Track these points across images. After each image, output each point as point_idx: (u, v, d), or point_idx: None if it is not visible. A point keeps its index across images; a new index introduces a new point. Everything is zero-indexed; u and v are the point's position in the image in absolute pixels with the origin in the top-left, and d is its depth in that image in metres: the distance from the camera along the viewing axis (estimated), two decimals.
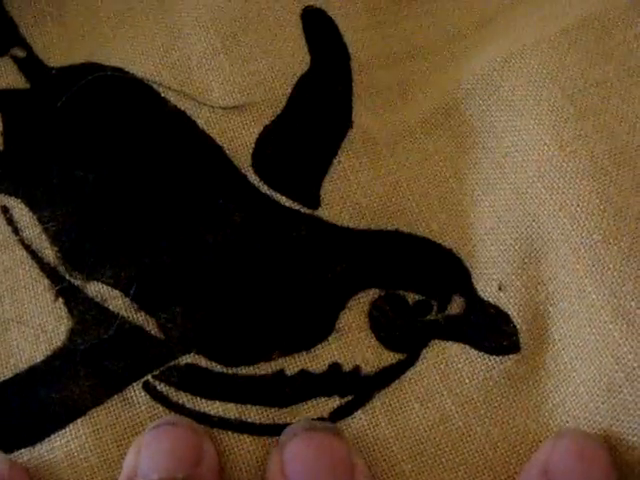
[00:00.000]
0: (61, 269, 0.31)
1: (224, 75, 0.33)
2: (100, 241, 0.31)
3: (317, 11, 0.34)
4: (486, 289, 0.31)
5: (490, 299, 0.30)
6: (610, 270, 0.29)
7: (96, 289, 0.30)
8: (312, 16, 0.34)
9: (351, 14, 0.34)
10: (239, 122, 0.32)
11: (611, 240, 0.29)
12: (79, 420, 0.29)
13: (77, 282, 0.30)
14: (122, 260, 0.30)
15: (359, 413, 0.29)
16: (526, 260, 0.30)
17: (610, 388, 0.28)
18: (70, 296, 0.30)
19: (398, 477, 0.28)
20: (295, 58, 0.33)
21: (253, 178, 0.32)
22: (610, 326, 0.28)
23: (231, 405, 0.29)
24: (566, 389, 0.29)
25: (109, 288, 0.30)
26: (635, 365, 0.28)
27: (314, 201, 0.32)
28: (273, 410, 0.29)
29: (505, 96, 0.32)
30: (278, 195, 0.32)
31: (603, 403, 0.28)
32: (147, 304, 0.30)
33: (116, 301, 0.30)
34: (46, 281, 0.31)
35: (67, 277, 0.30)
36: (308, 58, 0.33)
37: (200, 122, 0.32)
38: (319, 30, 0.34)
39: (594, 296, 0.29)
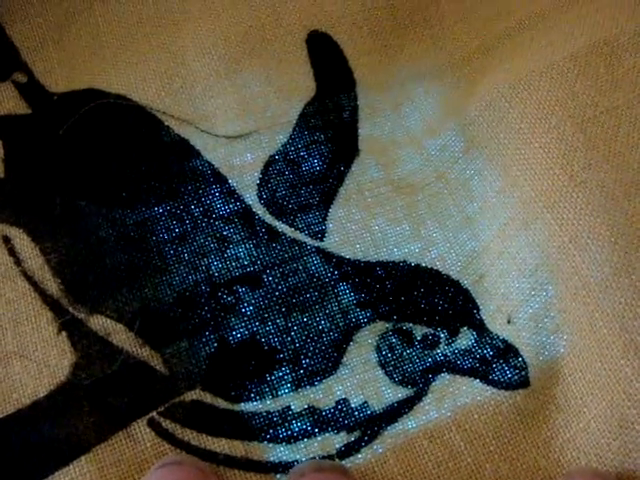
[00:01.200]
0: (64, 301, 0.30)
1: (228, 102, 0.32)
2: (102, 273, 0.30)
3: (322, 35, 0.34)
4: (495, 322, 0.30)
5: (499, 332, 0.30)
6: (621, 304, 0.28)
7: (100, 323, 0.30)
8: (317, 41, 0.34)
9: (356, 38, 0.34)
10: (243, 151, 0.32)
11: (622, 273, 0.28)
12: (83, 457, 0.28)
13: (80, 315, 0.30)
14: (125, 293, 0.30)
15: (367, 450, 0.29)
16: (534, 292, 0.30)
17: (622, 425, 0.28)
18: (73, 329, 0.30)
19: None
20: (300, 84, 0.33)
21: (258, 208, 0.31)
22: (621, 362, 0.28)
23: (237, 442, 0.29)
24: (577, 425, 0.29)
25: (113, 322, 0.30)
26: None
27: (320, 232, 0.31)
28: (280, 447, 0.29)
29: (513, 123, 0.32)
30: (284, 226, 0.31)
31: (615, 440, 0.28)
32: (151, 339, 0.29)
33: (120, 335, 0.30)
34: (49, 314, 0.30)
35: (70, 310, 0.30)
36: (313, 84, 0.33)
37: (203, 151, 0.32)
38: (324, 55, 0.33)
39: (605, 330, 0.28)
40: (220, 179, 0.31)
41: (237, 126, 0.32)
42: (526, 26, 0.35)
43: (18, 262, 0.31)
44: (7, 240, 0.31)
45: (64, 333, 0.30)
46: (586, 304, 0.29)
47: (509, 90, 0.32)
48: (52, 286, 0.30)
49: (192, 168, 0.32)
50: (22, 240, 0.31)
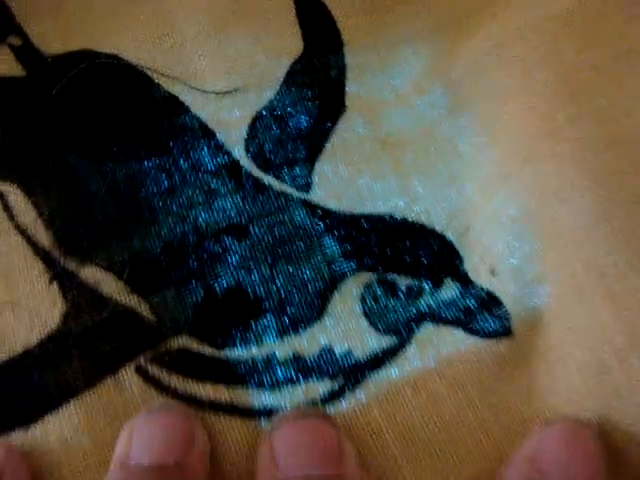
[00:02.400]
0: (55, 253, 0.31)
1: (216, 60, 0.33)
2: (93, 225, 0.31)
3: None
4: (478, 272, 0.31)
5: (482, 283, 0.30)
6: (600, 252, 0.29)
7: (90, 273, 0.30)
8: (306, 2, 0.34)
9: (345, 0, 0.34)
10: (231, 107, 0.32)
11: (601, 222, 0.29)
12: (72, 402, 0.29)
13: (71, 266, 0.31)
14: (114, 244, 0.31)
15: (350, 397, 0.29)
16: (516, 243, 0.30)
17: (601, 371, 0.28)
18: (64, 280, 0.30)
19: (389, 462, 0.28)
20: (288, 43, 0.33)
21: (245, 162, 0.32)
22: (600, 309, 0.28)
23: (222, 388, 0.29)
24: (557, 372, 0.29)
25: (102, 272, 0.30)
26: (625, 347, 0.28)
27: (306, 185, 0.32)
28: (265, 393, 0.29)
29: (497, 81, 0.32)
30: (270, 178, 0.32)
31: (594, 385, 0.28)
32: (139, 287, 0.30)
33: (109, 285, 0.30)
34: (41, 265, 0.31)
35: (61, 261, 0.31)
36: (301, 44, 0.34)
37: (193, 107, 0.32)
38: (312, 16, 0.34)
39: (584, 278, 0.29)
40: (208, 134, 0.32)
41: (225, 83, 0.33)
42: None
43: (11, 216, 0.32)
44: (1, 196, 0.32)
45: (55, 284, 0.30)
46: (566, 253, 0.29)
47: (493, 49, 0.33)
48: (44, 239, 0.31)
49: (181, 123, 0.32)
50: (16, 195, 0.32)
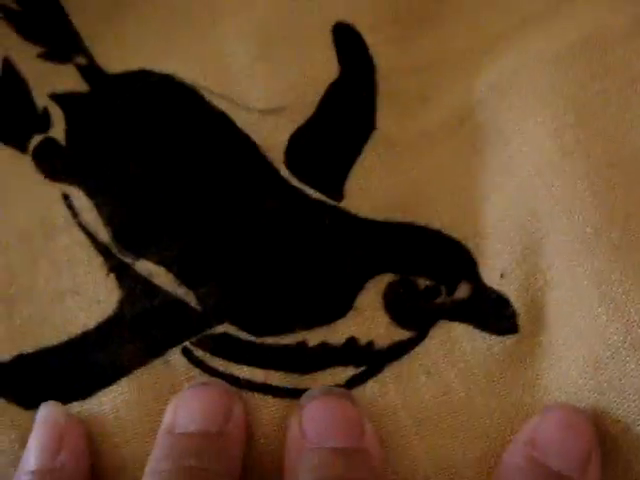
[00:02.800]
0: (113, 249, 0.35)
1: (260, 81, 0.37)
2: (147, 224, 0.35)
3: (347, 26, 0.38)
4: (490, 277, 0.34)
5: (493, 286, 0.34)
6: (600, 260, 0.32)
7: (144, 266, 0.34)
8: (342, 30, 0.38)
9: (377, 29, 0.38)
10: (273, 123, 0.36)
11: (602, 233, 0.32)
12: (124, 379, 0.33)
13: (127, 260, 0.34)
14: (166, 241, 0.35)
15: (371, 382, 0.33)
16: (526, 251, 0.33)
17: (597, 366, 0.31)
18: (121, 272, 0.34)
19: (403, 439, 0.32)
20: (325, 67, 0.37)
21: (285, 172, 0.36)
22: (598, 310, 0.31)
23: (258, 370, 0.33)
24: (559, 368, 0.32)
25: (155, 265, 0.34)
26: (619, 345, 0.31)
27: (339, 194, 0.35)
28: (295, 376, 0.33)
29: (514, 103, 0.36)
30: (307, 188, 0.35)
31: (591, 379, 0.31)
32: (188, 280, 0.34)
33: (161, 277, 0.34)
34: (100, 259, 0.35)
35: (118, 255, 0.35)
36: (337, 68, 0.37)
37: (239, 122, 0.36)
38: (348, 43, 0.38)
39: (585, 283, 0.32)
40: (253, 146, 0.36)
41: (268, 102, 0.36)
42: (528, 22, 0.38)
43: (75, 214, 0.36)
44: (66, 197, 0.36)
45: (112, 275, 0.34)
46: (570, 261, 0.32)
47: (511, 74, 0.36)
48: (103, 235, 0.35)
49: (229, 137, 0.36)
50: (79, 196, 0.36)
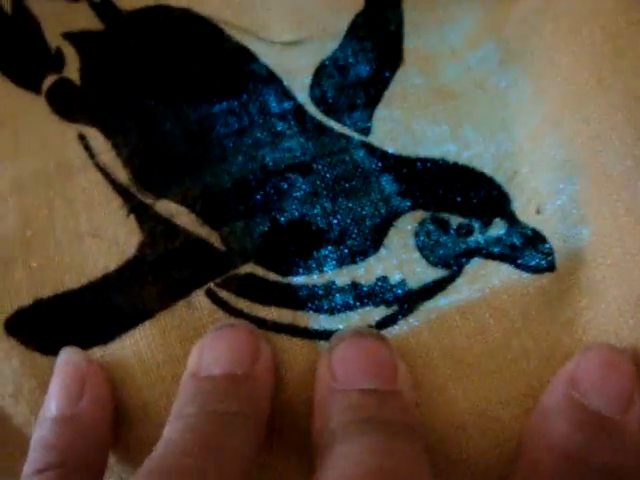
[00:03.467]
0: (133, 189, 0.33)
1: (283, 13, 0.35)
2: (168, 163, 0.34)
3: None
4: (525, 212, 0.33)
5: (529, 222, 0.32)
6: None
7: (164, 207, 0.33)
8: None
9: None
10: (297, 56, 0.35)
11: None
12: (147, 322, 0.32)
13: (147, 200, 0.33)
14: (187, 180, 0.33)
15: (403, 322, 0.31)
16: (561, 185, 0.32)
17: (638, 303, 0.30)
18: (141, 213, 0.33)
19: (437, 380, 0.31)
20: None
21: (309, 106, 0.34)
22: (639, 248, 0.30)
23: (285, 311, 0.32)
24: (598, 306, 0.31)
25: (176, 205, 0.33)
26: None
27: (365, 129, 0.34)
28: (324, 317, 0.31)
29: (546, 36, 0.34)
30: (333, 122, 0.34)
31: (631, 318, 0.30)
32: (211, 219, 0.33)
33: (183, 217, 0.33)
34: (119, 200, 0.33)
35: (138, 196, 0.33)
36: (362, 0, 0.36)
37: (261, 56, 0.35)
38: None
39: (625, 219, 0.30)
40: (275, 80, 0.35)
41: (291, 35, 0.35)
42: None
43: (92, 155, 0.34)
44: (82, 137, 0.35)
45: (132, 216, 0.33)
46: (609, 194, 0.31)
47: (543, 5, 0.35)
48: (122, 176, 0.34)
49: (250, 71, 0.35)
50: (96, 137, 0.35)
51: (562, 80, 0.33)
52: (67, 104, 0.35)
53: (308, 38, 0.35)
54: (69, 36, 0.36)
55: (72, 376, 0.31)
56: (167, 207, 0.33)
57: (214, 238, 0.32)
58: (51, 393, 0.31)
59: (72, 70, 0.36)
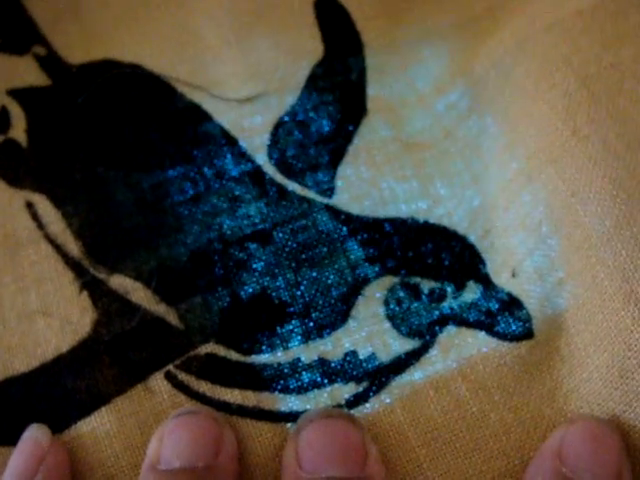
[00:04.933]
0: (85, 263, 0.32)
1: (238, 67, 0.34)
2: (121, 235, 0.32)
3: (329, 0, 0.34)
4: (500, 275, 0.31)
5: (504, 285, 0.31)
6: (622, 256, 0.29)
7: (119, 282, 0.31)
8: (325, 5, 0.34)
9: (364, 2, 0.35)
10: (253, 113, 0.33)
11: (623, 226, 0.29)
12: (104, 408, 0.30)
13: (101, 275, 0.31)
14: (142, 253, 0.31)
15: (375, 399, 0.30)
16: (538, 245, 0.30)
17: (622, 374, 0.28)
18: (94, 289, 0.31)
19: (412, 463, 0.29)
20: (308, 47, 0.34)
21: (268, 168, 0.32)
22: (622, 312, 0.28)
23: (249, 393, 0.30)
24: (580, 375, 0.29)
25: (131, 281, 0.31)
26: None
27: (329, 190, 0.32)
28: (291, 397, 0.30)
29: (518, 80, 0.32)
30: (294, 184, 0.32)
31: (616, 389, 0.28)
32: (168, 296, 0.31)
33: (138, 293, 0.31)
34: (71, 274, 0.32)
35: (91, 270, 0.31)
36: (321, 47, 0.34)
37: (215, 115, 0.33)
38: (332, 19, 0.34)
39: (606, 282, 0.29)
40: (231, 141, 0.33)
41: (247, 90, 0.33)
42: None
43: (41, 226, 0.32)
44: (30, 206, 0.33)
45: (85, 292, 0.31)
46: (588, 257, 0.29)
47: (514, 47, 0.33)
48: (73, 248, 0.32)
49: (204, 132, 0.33)
50: (44, 205, 0.33)
51: (536, 131, 0.31)
52: (14, 168, 0.33)
53: (265, 93, 0.33)
54: (14, 93, 0.34)
55: (29, 457, 0.29)
56: (122, 282, 0.31)
57: (172, 316, 0.31)
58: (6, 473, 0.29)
59: (19, 131, 0.34)
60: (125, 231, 0.32)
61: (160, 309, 0.31)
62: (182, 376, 0.30)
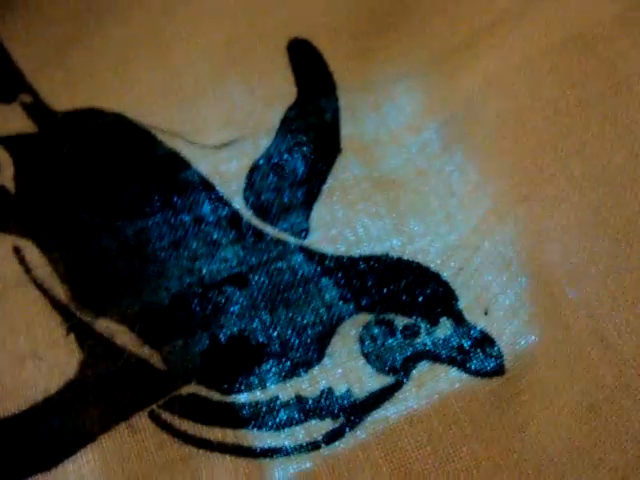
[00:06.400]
0: (72, 306, 0.33)
1: (214, 113, 0.34)
2: (106, 280, 0.33)
3: (302, 42, 0.35)
4: (472, 313, 0.32)
5: (476, 322, 0.32)
6: (588, 293, 0.30)
7: (104, 325, 0.32)
8: (298, 47, 0.35)
9: (336, 43, 0.36)
10: (229, 158, 0.34)
11: (589, 264, 0.30)
12: (89, 446, 0.31)
13: (87, 318, 0.32)
14: (126, 298, 0.32)
15: (350, 435, 0.31)
16: (510, 283, 0.31)
17: (591, 409, 0.29)
18: (81, 331, 0.32)
19: None
20: (282, 90, 0.35)
21: (245, 212, 0.33)
22: (588, 348, 0.29)
23: (229, 431, 0.31)
24: (551, 411, 0.30)
25: (116, 324, 0.32)
26: (613, 386, 0.29)
27: (303, 230, 0.33)
28: (268, 434, 0.31)
29: (488, 119, 0.33)
30: (269, 227, 0.33)
31: (585, 424, 0.29)
32: (151, 338, 0.32)
33: (123, 336, 0.32)
34: (58, 317, 0.33)
35: (78, 314, 0.33)
36: (294, 89, 0.35)
37: (193, 161, 0.34)
38: (305, 61, 0.35)
39: (573, 319, 0.30)
40: (209, 187, 0.34)
41: (223, 135, 0.34)
42: (505, 20, 0.35)
43: (28, 270, 0.33)
44: (18, 250, 0.34)
45: (72, 335, 0.32)
46: (555, 294, 0.30)
47: (485, 86, 0.34)
48: (60, 292, 0.33)
49: (183, 178, 0.34)
50: (31, 250, 0.34)
51: (505, 169, 0.32)
52: (2, 214, 0.34)
53: (240, 138, 0.34)
54: (2, 140, 0.36)
55: None
56: (107, 326, 0.32)
57: (155, 358, 0.32)
58: None
59: (6, 177, 0.35)
60: (110, 276, 0.33)
61: (144, 351, 0.32)
62: (165, 415, 0.31)
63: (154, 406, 0.31)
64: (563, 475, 0.29)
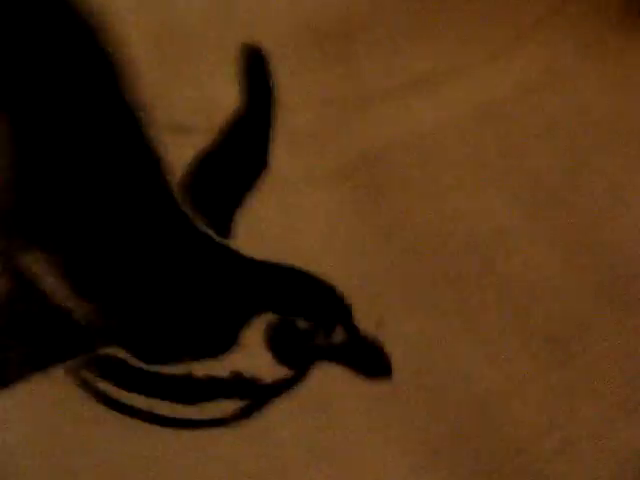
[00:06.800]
0: None
1: (169, 100, 0.36)
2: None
3: (253, 49, 0.36)
4: (366, 323, 0.36)
5: (368, 332, 0.36)
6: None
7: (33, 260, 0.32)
8: (248, 54, 0.36)
9: (288, 56, 0.36)
10: (180, 142, 0.35)
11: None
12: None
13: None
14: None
15: (256, 415, 0.33)
16: (399, 304, 0.36)
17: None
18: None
19: (290, 473, 0.33)
20: (231, 93, 0.36)
21: (179, 195, 0.35)
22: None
23: (142, 398, 0.32)
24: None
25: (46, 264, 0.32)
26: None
27: (226, 230, 0.35)
28: (181, 406, 0.32)
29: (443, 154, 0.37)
30: (198, 217, 0.35)
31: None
32: (78, 291, 0.32)
33: (49, 279, 0.32)
34: None
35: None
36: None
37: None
38: (252, 69, 0.36)
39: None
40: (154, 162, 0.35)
41: (177, 120, 0.36)
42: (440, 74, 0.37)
43: None
44: None
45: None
46: (438, 317, 0.35)
47: (434, 127, 0.37)
48: None
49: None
50: None
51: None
52: None
53: (193, 127, 0.36)
54: None
55: None
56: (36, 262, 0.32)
57: (78, 311, 0.32)
58: None
59: None
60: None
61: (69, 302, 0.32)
62: (84, 373, 0.31)
63: (71, 362, 0.31)
64: None
